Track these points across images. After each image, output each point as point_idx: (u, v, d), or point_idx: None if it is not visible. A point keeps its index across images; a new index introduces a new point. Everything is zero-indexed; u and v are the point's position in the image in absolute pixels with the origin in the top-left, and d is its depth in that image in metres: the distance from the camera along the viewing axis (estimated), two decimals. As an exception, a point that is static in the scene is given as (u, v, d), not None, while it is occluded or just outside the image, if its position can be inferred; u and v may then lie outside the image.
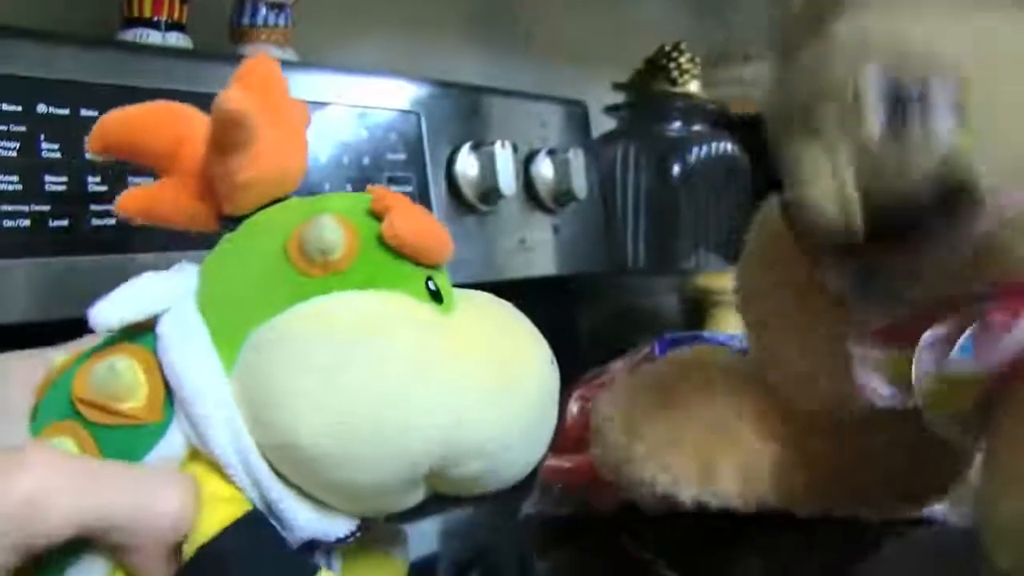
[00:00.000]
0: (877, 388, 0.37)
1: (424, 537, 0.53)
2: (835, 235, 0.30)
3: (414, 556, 0.49)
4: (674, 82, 0.96)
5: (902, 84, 0.29)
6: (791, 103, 0.32)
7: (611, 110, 1.00)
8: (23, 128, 0.50)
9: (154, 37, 0.62)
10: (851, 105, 0.29)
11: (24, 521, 0.25)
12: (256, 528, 0.28)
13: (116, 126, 0.33)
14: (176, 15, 0.63)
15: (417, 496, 0.31)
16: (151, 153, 0.33)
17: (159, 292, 0.30)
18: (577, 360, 0.77)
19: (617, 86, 1.00)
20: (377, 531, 0.36)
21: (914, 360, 0.35)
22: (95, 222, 0.52)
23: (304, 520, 0.29)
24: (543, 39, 1.06)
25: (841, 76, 0.30)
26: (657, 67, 0.97)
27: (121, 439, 0.28)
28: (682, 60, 0.96)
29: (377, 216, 0.31)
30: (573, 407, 0.56)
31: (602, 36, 1.09)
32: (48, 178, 0.50)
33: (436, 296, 0.31)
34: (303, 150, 0.35)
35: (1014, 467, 0.32)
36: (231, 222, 0.33)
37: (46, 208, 0.50)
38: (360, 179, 0.66)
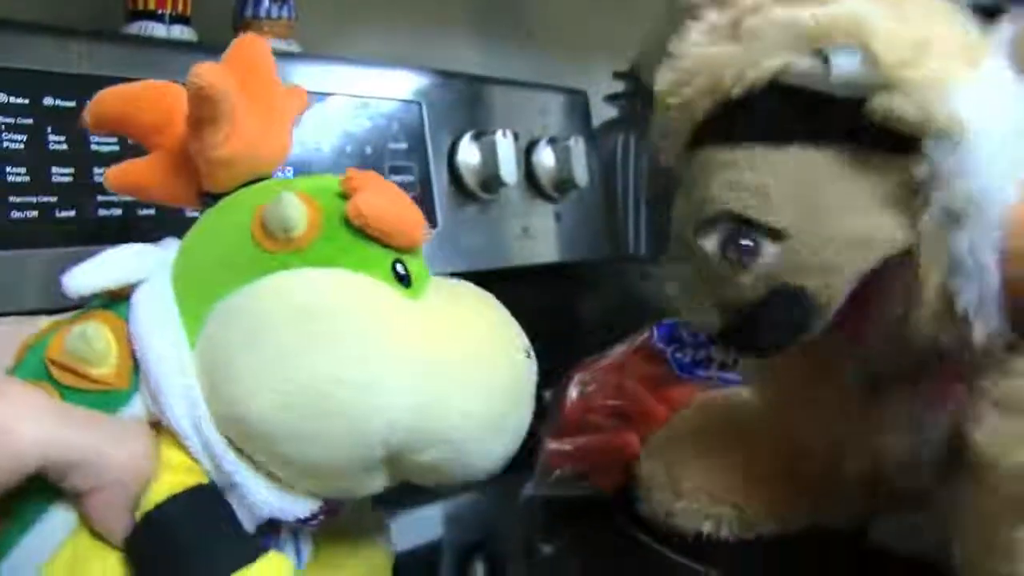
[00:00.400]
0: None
1: (426, 523, 0.54)
2: (700, 330, 0.41)
3: (418, 542, 0.50)
4: (674, 70, 0.96)
5: (730, 227, 0.37)
6: (673, 233, 0.41)
7: (611, 99, 1.01)
8: (30, 120, 0.51)
9: (159, 30, 0.63)
10: (696, 245, 0.38)
11: None
12: (205, 500, 0.29)
13: (111, 99, 0.35)
14: (180, 8, 0.64)
15: (378, 481, 0.31)
16: (141, 127, 0.34)
17: (135, 263, 0.31)
18: (578, 346, 0.78)
19: (617, 75, 1.00)
20: (358, 518, 0.37)
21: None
22: (101, 212, 0.53)
23: (262, 496, 0.30)
24: (544, 28, 1.07)
25: (690, 223, 0.38)
26: (655, 54, 0.97)
27: (88, 402, 0.29)
28: (682, 48, 0.96)
29: (347, 197, 0.31)
30: (573, 391, 0.56)
31: (602, 25, 1.09)
32: (55, 169, 0.51)
33: (404, 280, 0.31)
34: (285, 134, 0.35)
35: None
36: (212, 199, 0.33)
37: (53, 199, 0.51)
38: (363, 168, 0.66)
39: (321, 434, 0.28)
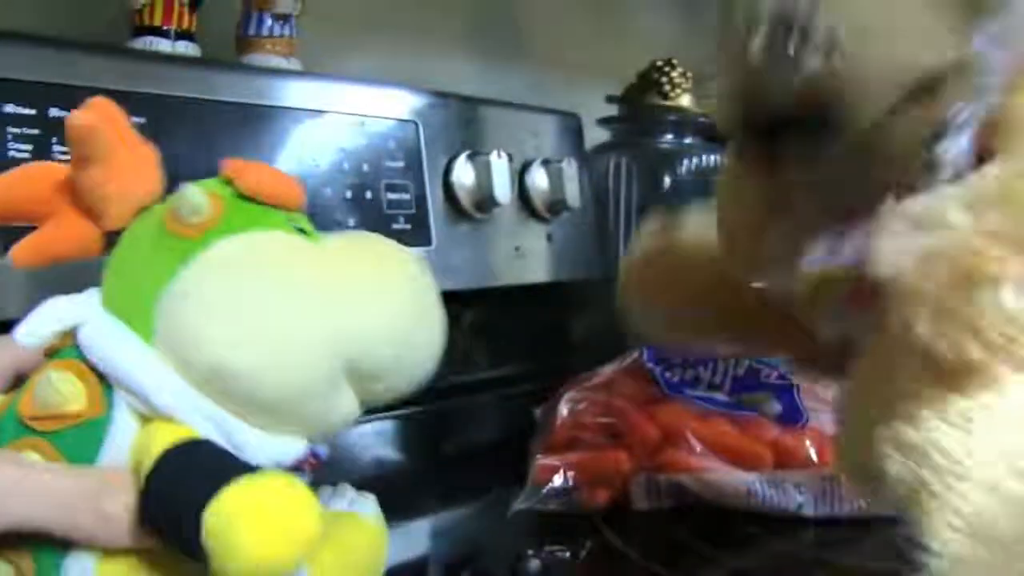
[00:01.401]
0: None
1: (414, 537, 0.54)
2: (731, 127, 0.39)
3: (405, 557, 0.51)
4: (666, 95, 0.98)
5: (784, 28, 0.36)
6: (720, 39, 0.40)
7: (604, 122, 1.02)
8: (36, 131, 0.52)
9: (163, 45, 0.64)
10: (746, 42, 0.37)
11: None
12: (206, 444, 0.32)
13: None
14: (185, 24, 0.65)
15: (346, 403, 0.35)
16: (31, 208, 0.37)
17: (68, 309, 0.35)
18: (569, 365, 0.79)
19: (610, 99, 1.01)
20: (347, 496, 0.41)
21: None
22: (104, 223, 0.54)
23: (256, 443, 0.33)
24: (538, 51, 1.08)
25: (743, 21, 0.37)
26: (649, 81, 0.99)
27: (76, 438, 0.32)
28: (674, 74, 0.98)
29: (230, 181, 0.36)
30: (563, 408, 0.57)
31: (596, 49, 1.11)
32: (60, 180, 0.52)
33: (301, 232, 0.36)
34: (155, 170, 0.38)
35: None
36: (115, 239, 0.36)
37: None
38: (359, 185, 0.68)
39: (283, 360, 0.32)
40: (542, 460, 0.53)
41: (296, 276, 0.34)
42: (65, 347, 0.34)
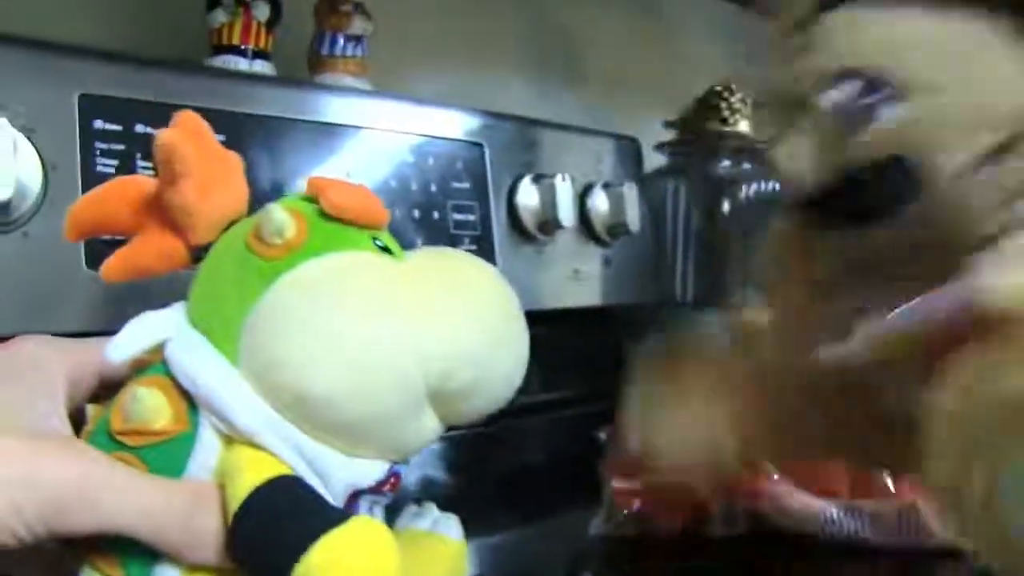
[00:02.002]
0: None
1: (487, 554, 0.54)
2: (796, 185, 0.39)
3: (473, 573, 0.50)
4: (724, 121, 0.98)
5: (862, 81, 0.36)
6: (787, 94, 0.40)
7: (661, 147, 1.02)
8: (122, 146, 0.53)
9: (241, 64, 0.65)
10: (821, 96, 0.37)
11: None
12: (287, 484, 0.32)
13: (82, 209, 0.38)
14: (262, 43, 0.66)
15: (428, 425, 0.35)
16: (117, 222, 0.38)
17: (156, 325, 0.35)
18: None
19: (668, 123, 1.01)
20: (426, 516, 0.40)
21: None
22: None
23: (338, 467, 0.33)
24: (598, 76, 1.09)
25: (818, 74, 0.37)
26: (708, 106, 0.99)
27: (162, 454, 0.32)
28: (733, 100, 0.98)
29: (314, 199, 0.35)
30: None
31: (655, 74, 1.11)
32: (143, 194, 0.53)
33: (385, 250, 0.36)
34: (242, 183, 0.39)
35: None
36: (203, 252, 0.37)
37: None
38: (426, 205, 0.69)
39: (368, 384, 0.32)
40: (617, 484, 0.53)
41: (378, 299, 0.33)
42: (154, 362, 0.34)
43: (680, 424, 0.48)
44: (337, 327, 0.32)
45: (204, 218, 0.36)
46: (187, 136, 0.35)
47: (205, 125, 0.37)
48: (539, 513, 0.64)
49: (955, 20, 0.35)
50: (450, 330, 0.34)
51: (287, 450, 0.32)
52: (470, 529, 0.49)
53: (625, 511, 0.52)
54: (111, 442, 0.33)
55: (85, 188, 0.51)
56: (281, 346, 0.32)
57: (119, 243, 0.38)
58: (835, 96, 0.36)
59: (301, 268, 0.33)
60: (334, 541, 0.30)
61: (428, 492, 0.70)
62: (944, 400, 0.35)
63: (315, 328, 0.32)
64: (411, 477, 0.69)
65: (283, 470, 0.32)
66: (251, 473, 0.31)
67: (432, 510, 0.41)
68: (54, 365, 0.35)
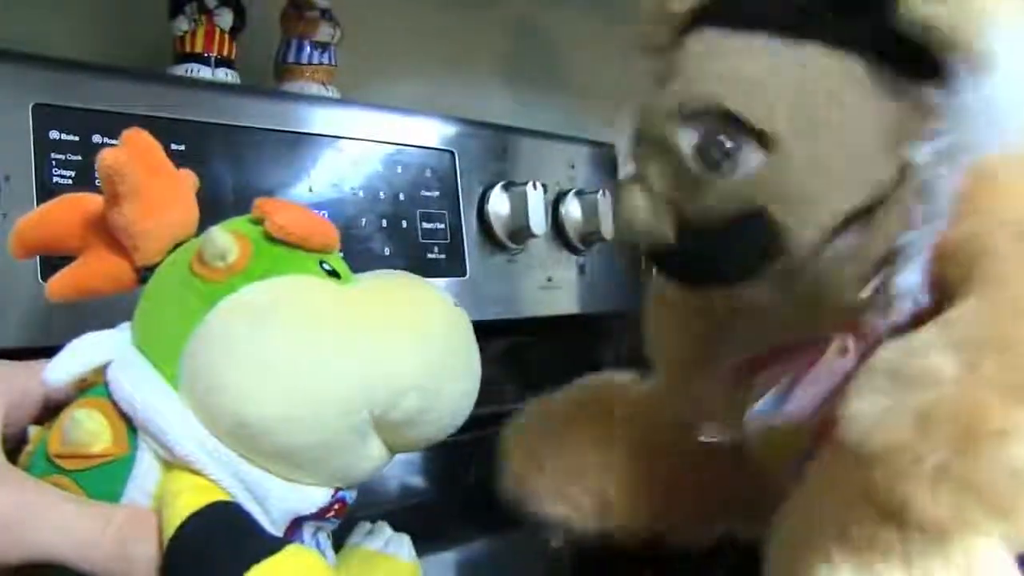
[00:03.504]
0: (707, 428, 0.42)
1: (442, 569, 0.54)
2: (644, 239, 0.35)
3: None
4: (700, 127, 0.97)
5: (715, 125, 0.33)
6: (640, 130, 0.36)
7: (638, 153, 1.02)
8: (79, 158, 0.52)
9: (204, 72, 0.64)
10: (665, 145, 0.34)
11: None
12: (222, 511, 0.31)
13: (30, 230, 0.37)
14: (226, 51, 0.65)
15: (373, 453, 0.34)
16: (67, 241, 0.37)
17: (97, 347, 0.34)
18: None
19: (644, 130, 1.01)
20: (382, 538, 0.40)
21: (747, 406, 0.39)
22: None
23: (278, 494, 0.32)
24: (574, 82, 1.08)
25: (669, 114, 0.34)
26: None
27: (99, 477, 0.32)
28: (709, 106, 0.98)
29: (260, 221, 0.35)
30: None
31: (631, 79, 1.11)
32: (100, 206, 0.52)
33: (333, 274, 0.35)
34: (191, 203, 0.38)
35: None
36: (149, 272, 0.36)
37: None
38: (395, 214, 0.68)
39: (306, 411, 0.32)
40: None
41: (320, 325, 0.33)
42: (96, 383, 0.34)
43: (561, 468, 0.47)
44: (276, 354, 0.32)
45: (149, 239, 0.35)
46: (133, 155, 0.35)
47: (153, 143, 0.37)
48: (513, 523, 0.64)
49: (814, 55, 0.33)
50: (395, 358, 0.33)
51: (226, 476, 0.32)
52: (445, 538, 0.48)
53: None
54: (49, 465, 0.32)
55: (40, 200, 0.50)
56: (220, 373, 0.32)
57: (73, 258, 0.37)
58: (688, 139, 0.33)
59: (242, 292, 0.33)
60: (265, 570, 0.29)
61: (403, 501, 0.69)
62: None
63: (253, 355, 0.32)
64: (388, 485, 0.69)
65: (221, 496, 0.31)
66: (187, 499, 0.30)
67: (385, 530, 0.41)
68: None
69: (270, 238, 0.34)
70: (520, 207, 0.75)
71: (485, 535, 0.60)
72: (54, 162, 0.51)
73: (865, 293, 0.34)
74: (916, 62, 0.32)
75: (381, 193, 0.68)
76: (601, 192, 0.82)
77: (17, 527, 0.29)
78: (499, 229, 0.75)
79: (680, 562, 0.49)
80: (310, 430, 0.32)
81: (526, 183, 0.75)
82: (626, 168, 0.37)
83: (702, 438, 0.43)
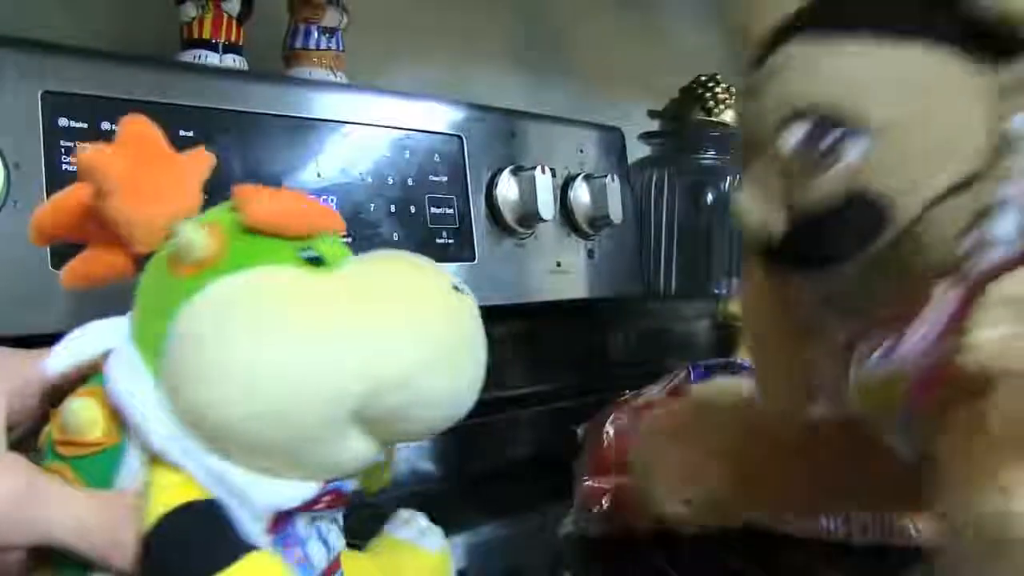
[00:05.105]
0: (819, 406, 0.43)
1: (457, 554, 0.54)
2: (759, 235, 0.37)
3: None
4: (709, 111, 0.97)
5: (818, 122, 0.35)
6: (744, 135, 0.39)
7: (646, 137, 1.01)
8: (88, 145, 0.52)
9: (212, 58, 0.64)
10: (777, 139, 0.36)
11: None
12: (193, 513, 0.31)
13: (44, 217, 0.37)
14: (233, 37, 0.65)
15: (358, 446, 0.33)
16: (74, 229, 0.36)
17: (98, 336, 0.34)
18: (609, 382, 0.78)
19: (652, 113, 1.01)
20: (412, 527, 0.40)
21: (851, 368, 0.40)
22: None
23: (256, 490, 0.32)
24: (582, 66, 1.08)
25: (772, 117, 0.36)
26: (693, 96, 0.98)
27: (92, 465, 0.32)
28: (718, 90, 0.97)
29: (235, 209, 0.34)
30: (610, 430, 0.57)
31: (639, 64, 1.11)
32: (110, 192, 0.52)
33: (314, 261, 0.33)
34: (190, 189, 0.37)
35: (966, 476, 0.34)
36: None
37: (108, 222, 0.52)
38: (403, 199, 0.68)
39: (278, 407, 0.31)
40: (589, 482, 0.53)
41: (293, 319, 0.31)
42: (97, 372, 0.34)
43: (677, 470, 0.48)
44: (245, 349, 0.31)
45: (141, 229, 0.34)
46: (123, 146, 0.34)
47: (150, 131, 0.36)
48: (521, 508, 0.64)
49: (909, 51, 0.35)
50: (369, 351, 0.32)
51: (202, 472, 0.31)
52: (451, 523, 0.49)
53: (594, 509, 0.52)
54: (51, 451, 0.33)
55: (50, 187, 0.50)
56: (190, 366, 0.31)
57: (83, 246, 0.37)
58: (793, 138, 0.35)
59: (215, 284, 0.32)
60: None
61: (409, 485, 0.70)
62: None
63: (223, 349, 0.31)
64: (396, 470, 0.69)
65: (197, 494, 0.31)
66: (162, 496, 0.31)
67: (418, 520, 0.41)
68: None
69: (245, 228, 0.33)
70: (529, 192, 0.74)
71: (494, 520, 0.60)
72: (63, 149, 0.51)
73: (964, 247, 0.36)
74: (1004, 42, 0.34)
75: (389, 178, 0.68)
76: (610, 176, 0.82)
77: (25, 513, 0.30)
78: (508, 214, 0.75)
79: (691, 547, 0.49)
80: (275, 427, 0.31)
81: (534, 168, 0.75)
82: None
83: (814, 415, 0.44)
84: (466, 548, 0.57)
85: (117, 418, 0.33)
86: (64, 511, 0.30)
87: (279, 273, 0.33)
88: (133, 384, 0.32)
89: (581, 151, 0.85)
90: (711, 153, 0.99)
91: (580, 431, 0.63)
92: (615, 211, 0.82)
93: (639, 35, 1.14)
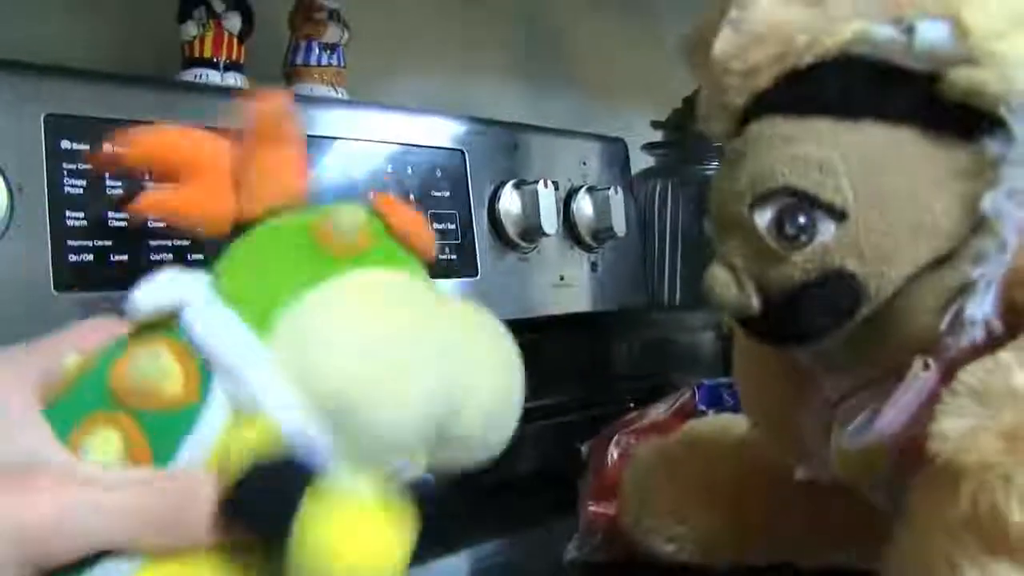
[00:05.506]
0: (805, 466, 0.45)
1: (455, 570, 0.54)
2: (734, 312, 0.38)
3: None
4: (712, 121, 0.97)
5: (789, 202, 0.35)
6: (716, 211, 0.39)
7: (649, 148, 1.01)
8: (90, 167, 0.52)
9: (213, 77, 0.64)
10: (750, 218, 0.36)
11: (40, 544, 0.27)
12: (285, 462, 0.30)
13: (148, 139, 0.36)
14: (234, 55, 0.65)
15: (420, 457, 0.33)
16: (176, 165, 0.35)
17: (183, 286, 0.33)
18: (613, 395, 0.78)
19: (656, 124, 1.01)
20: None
21: (832, 433, 0.40)
22: (154, 257, 0.54)
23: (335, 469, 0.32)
24: (584, 78, 1.08)
25: (745, 196, 0.36)
26: (696, 106, 0.98)
27: (163, 422, 0.30)
28: (720, 100, 0.97)
29: (379, 215, 0.34)
30: (614, 452, 0.57)
31: (642, 75, 1.10)
32: (111, 215, 0.52)
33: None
34: (304, 170, 0.38)
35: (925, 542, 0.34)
36: (237, 232, 0.35)
37: (109, 243, 0.52)
38: (406, 215, 0.68)
39: (393, 397, 0.31)
40: (593, 507, 0.52)
41: (421, 322, 0.33)
42: (161, 326, 0.32)
43: (668, 508, 0.49)
44: (380, 337, 0.31)
45: (280, 191, 0.35)
46: (262, 124, 0.35)
47: (288, 104, 0.36)
48: (526, 523, 0.64)
49: (869, 132, 0.35)
50: (473, 371, 0.33)
51: (298, 435, 0.31)
52: (455, 539, 0.48)
53: (597, 535, 0.51)
54: (101, 399, 0.31)
55: (52, 210, 0.50)
56: (322, 339, 0.31)
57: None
58: (766, 217, 0.36)
59: (359, 272, 0.33)
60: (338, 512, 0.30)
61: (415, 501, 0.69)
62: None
63: (359, 331, 0.31)
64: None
65: (281, 449, 0.31)
66: (259, 449, 0.30)
67: None
68: (9, 372, 0.32)
69: (387, 232, 0.34)
70: (531, 205, 0.74)
71: (498, 536, 0.60)
72: (66, 172, 0.51)
73: (942, 325, 0.36)
74: (969, 119, 0.34)
75: (391, 193, 0.68)
76: (613, 188, 0.82)
77: (74, 529, 0.28)
78: (510, 228, 0.75)
79: (695, 573, 0.49)
80: (393, 407, 0.32)
81: (537, 181, 0.75)
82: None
83: (798, 476, 0.45)
84: (470, 568, 0.57)
85: (196, 377, 0.31)
86: (120, 516, 0.29)
87: (415, 281, 0.34)
88: (236, 341, 0.32)
89: (584, 163, 0.85)
90: (715, 163, 0.99)
91: (584, 449, 0.63)
92: (618, 223, 0.82)
93: (641, 45, 1.14)
